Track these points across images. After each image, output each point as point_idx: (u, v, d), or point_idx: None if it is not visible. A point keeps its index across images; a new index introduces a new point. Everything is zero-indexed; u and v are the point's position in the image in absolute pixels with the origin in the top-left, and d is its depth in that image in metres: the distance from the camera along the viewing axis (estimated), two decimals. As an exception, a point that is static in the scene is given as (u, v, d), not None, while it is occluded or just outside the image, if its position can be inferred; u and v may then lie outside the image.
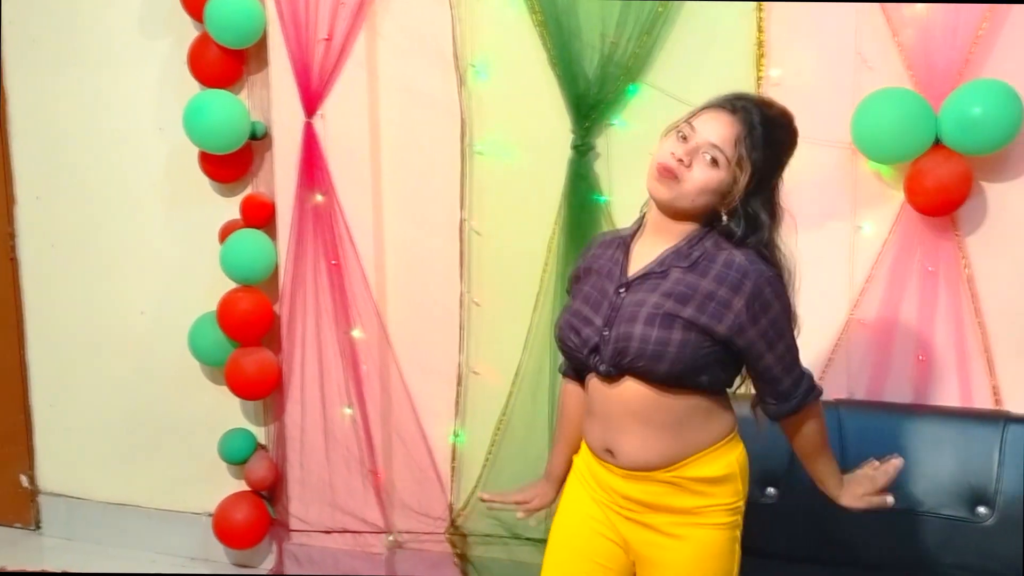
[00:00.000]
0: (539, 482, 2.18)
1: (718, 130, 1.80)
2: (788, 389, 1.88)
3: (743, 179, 1.79)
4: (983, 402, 2.67)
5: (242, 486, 3.50)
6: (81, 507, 3.84)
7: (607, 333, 1.84)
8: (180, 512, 3.69)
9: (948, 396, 2.70)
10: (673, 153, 1.80)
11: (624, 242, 1.94)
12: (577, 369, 2.03)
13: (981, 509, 2.46)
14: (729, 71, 2.77)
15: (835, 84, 2.69)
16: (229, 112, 3.23)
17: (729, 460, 1.88)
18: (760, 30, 2.74)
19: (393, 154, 3.19)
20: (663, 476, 1.85)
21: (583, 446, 2.02)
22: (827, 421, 2.56)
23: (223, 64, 3.26)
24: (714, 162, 1.79)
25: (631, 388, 1.83)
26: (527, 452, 3.10)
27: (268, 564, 3.57)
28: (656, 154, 1.84)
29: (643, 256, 1.89)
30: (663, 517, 1.87)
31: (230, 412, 3.55)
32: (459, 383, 3.21)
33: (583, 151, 2.91)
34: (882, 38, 2.63)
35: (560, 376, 2.16)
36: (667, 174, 1.80)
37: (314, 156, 3.18)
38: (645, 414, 1.83)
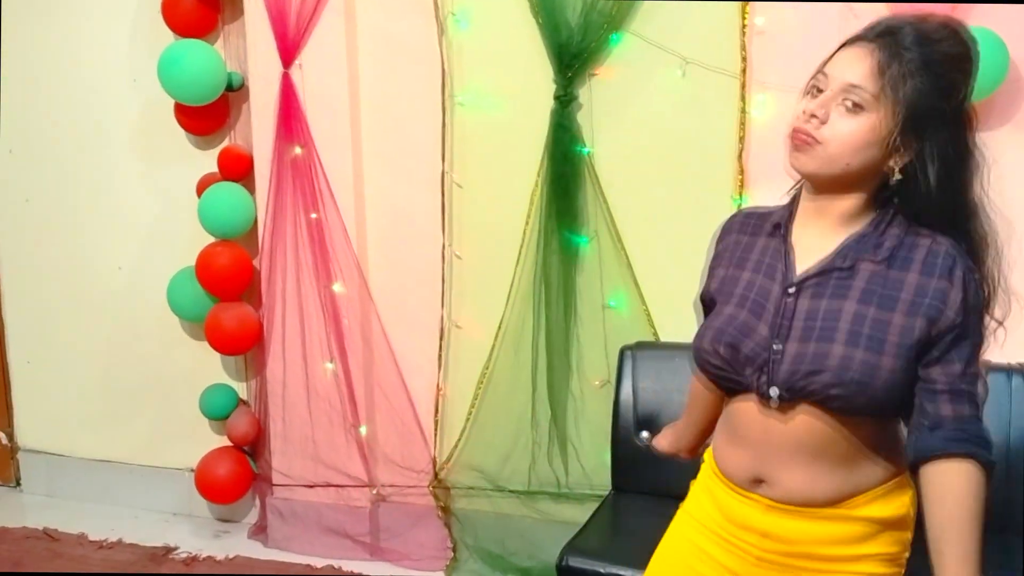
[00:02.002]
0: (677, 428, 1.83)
1: (853, 66, 1.39)
2: (952, 417, 1.40)
3: (900, 115, 1.37)
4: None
5: (224, 441, 3.49)
6: (62, 464, 3.82)
7: (779, 347, 1.44)
8: (162, 468, 3.69)
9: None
10: (805, 111, 1.42)
11: (778, 227, 1.52)
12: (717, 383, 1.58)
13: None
14: (714, 19, 2.74)
15: (820, 33, 2.64)
16: (205, 63, 3.17)
17: (904, 500, 1.49)
18: (745, -23, 2.71)
19: (372, 105, 3.14)
20: (826, 512, 1.47)
21: (711, 469, 1.63)
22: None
23: (197, 13, 3.20)
24: (856, 106, 1.38)
25: (806, 419, 1.43)
26: (510, 405, 3.11)
27: (251, 518, 3.58)
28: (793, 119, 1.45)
29: (811, 247, 1.48)
30: (807, 563, 1.49)
31: (211, 368, 3.53)
32: (441, 337, 3.19)
33: (565, 102, 2.88)
34: (868, -15, 2.60)
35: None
36: (802, 139, 1.41)
37: (292, 107, 3.13)
38: (818, 449, 1.44)
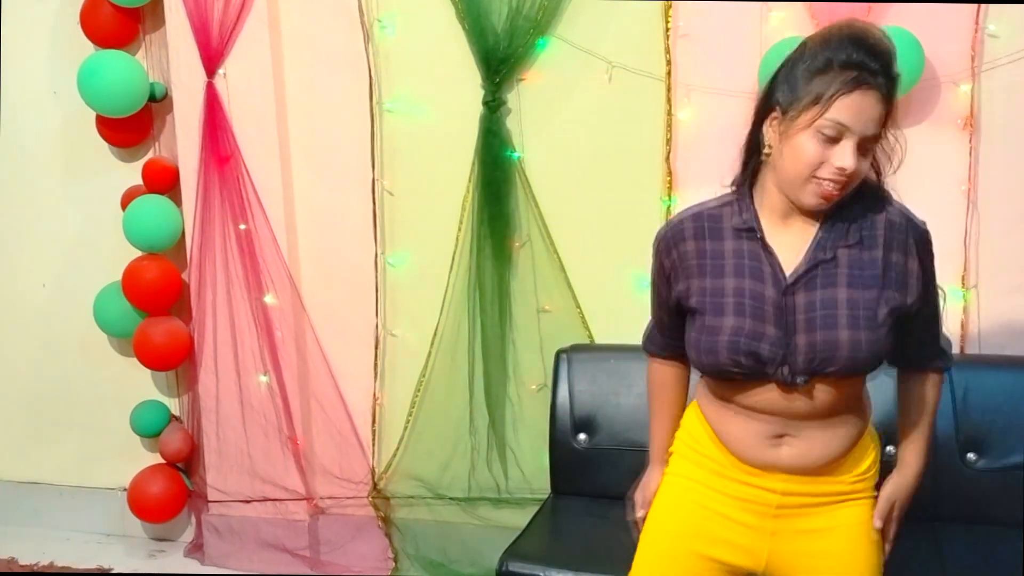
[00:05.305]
0: (649, 471, 1.91)
1: (872, 117, 1.51)
2: (929, 341, 1.72)
3: (887, 148, 1.60)
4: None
5: (157, 459, 3.43)
6: (-12, 487, 3.72)
7: (792, 343, 1.58)
8: (93, 488, 3.60)
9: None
10: (841, 167, 1.51)
11: (751, 231, 1.62)
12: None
13: (890, 448, 2.52)
14: (637, 22, 2.76)
15: (741, 34, 2.69)
16: (126, 73, 3.12)
17: (874, 435, 1.77)
18: (667, -20, 2.74)
19: (300, 114, 3.11)
20: (836, 473, 1.69)
21: (709, 458, 1.75)
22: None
23: (117, 23, 3.15)
24: (868, 151, 1.55)
25: (822, 390, 1.62)
26: (448, 412, 3.10)
27: (187, 536, 3.51)
28: (800, 162, 1.52)
29: (789, 245, 1.61)
30: (822, 499, 1.70)
31: (141, 384, 3.47)
32: (377, 346, 3.17)
33: (494, 107, 2.88)
34: (787, -13, 2.65)
35: (646, 355, 1.89)
36: (838, 193, 1.54)
37: (217, 117, 3.08)
38: (832, 409, 1.64)
